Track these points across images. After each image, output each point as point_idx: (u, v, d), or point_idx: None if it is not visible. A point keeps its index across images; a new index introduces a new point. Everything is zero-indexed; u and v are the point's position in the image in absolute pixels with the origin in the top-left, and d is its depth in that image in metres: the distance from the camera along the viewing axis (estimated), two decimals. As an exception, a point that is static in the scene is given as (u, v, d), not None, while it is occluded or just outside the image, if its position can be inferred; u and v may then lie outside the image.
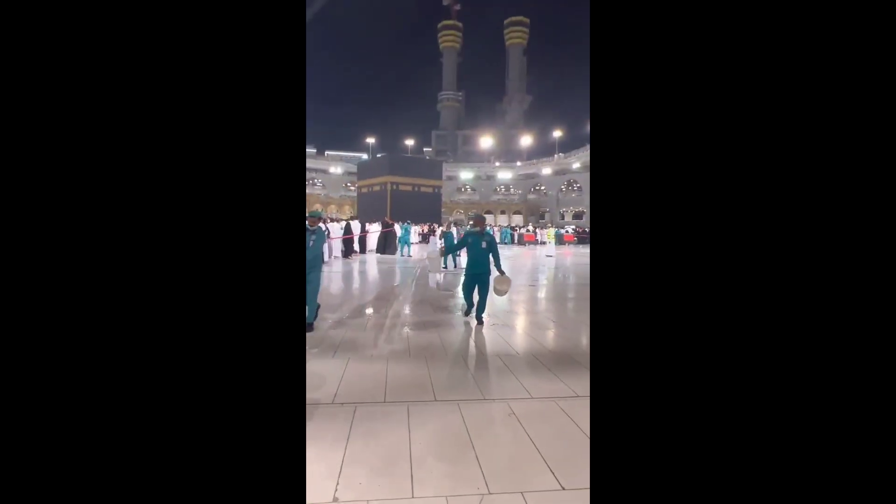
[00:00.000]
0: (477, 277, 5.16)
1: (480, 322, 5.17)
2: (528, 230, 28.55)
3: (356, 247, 14.56)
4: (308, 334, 4.60)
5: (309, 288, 4.74)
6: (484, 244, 5.12)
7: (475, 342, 4.48)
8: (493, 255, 5.13)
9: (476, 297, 5.26)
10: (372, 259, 14.21)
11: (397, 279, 9.54)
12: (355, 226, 14.90)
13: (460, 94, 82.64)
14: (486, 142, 59.70)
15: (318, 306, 5.07)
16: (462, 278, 5.65)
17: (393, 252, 15.22)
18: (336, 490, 1.94)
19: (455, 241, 11.73)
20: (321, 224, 8.16)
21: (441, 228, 17.39)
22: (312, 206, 47.28)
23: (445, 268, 11.24)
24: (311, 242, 4.76)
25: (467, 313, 5.39)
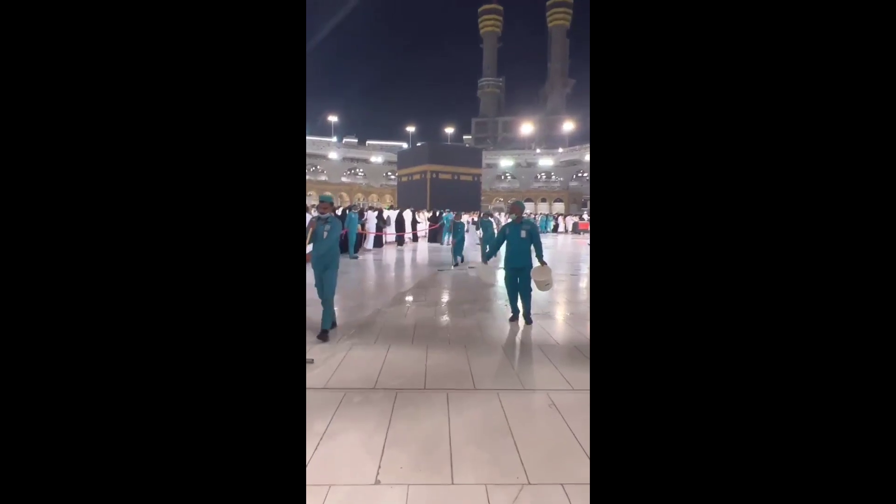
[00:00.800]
0: (518, 272, 4.56)
1: (529, 322, 4.64)
2: (581, 218, 28.23)
3: (408, 235, 15.80)
4: (343, 320, 4.55)
5: (325, 288, 3.98)
6: (523, 233, 4.51)
7: (515, 332, 4.45)
8: (534, 246, 4.52)
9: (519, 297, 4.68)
10: (422, 246, 15.15)
11: (439, 266, 9.62)
12: (407, 215, 15.64)
13: (500, 79, 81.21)
14: (526, 128, 58.49)
15: (334, 313, 4.31)
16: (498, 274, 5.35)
17: (441, 241, 16.44)
18: (378, 473, 2.00)
19: (465, 232, 10.28)
20: (351, 210, 7.23)
21: (451, 217, 14.95)
22: (354, 196, 48.06)
23: (457, 264, 9.89)
24: (326, 234, 4.01)
25: (513, 318, 4.77)
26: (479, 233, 10.31)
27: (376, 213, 14.05)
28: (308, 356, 3.48)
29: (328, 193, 5.98)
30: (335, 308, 4.25)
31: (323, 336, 3.96)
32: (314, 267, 4.03)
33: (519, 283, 4.59)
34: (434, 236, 16.86)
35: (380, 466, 2.05)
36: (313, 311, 4.18)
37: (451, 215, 16.13)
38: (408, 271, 9.30)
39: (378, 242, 13.64)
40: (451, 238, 10.43)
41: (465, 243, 10.79)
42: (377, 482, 1.93)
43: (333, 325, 4.28)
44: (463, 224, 10.84)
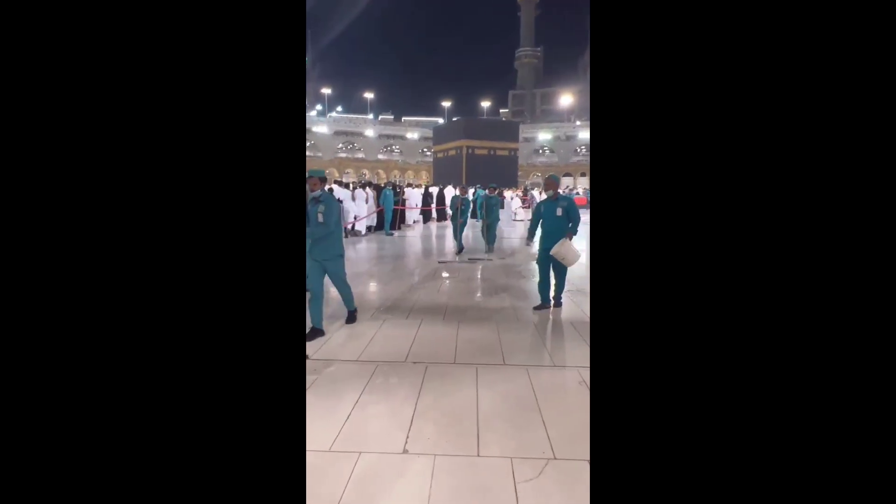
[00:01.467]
0: (552, 255, 4.10)
1: (558, 304, 4.33)
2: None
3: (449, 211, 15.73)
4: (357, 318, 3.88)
5: (334, 280, 3.57)
6: (559, 211, 4.11)
7: (547, 308, 4.40)
8: (571, 223, 4.13)
9: (553, 280, 4.29)
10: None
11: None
12: (449, 191, 15.80)
13: (539, 49, 78.17)
14: (566, 100, 56.33)
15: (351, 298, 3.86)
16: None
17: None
18: (406, 442, 2.05)
19: (468, 209, 7.93)
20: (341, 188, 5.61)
21: (455, 192, 11.87)
22: (391, 173, 48.22)
23: (459, 251, 7.85)
24: (320, 216, 3.30)
25: (539, 307, 4.30)
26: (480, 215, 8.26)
27: (422, 190, 14.27)
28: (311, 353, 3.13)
29: (318, 168, 4.36)
30: (323, 302, 3.63)
31: (350, 318, 3.82)
32: (309, 256, 3.42)
33: (554, 265, 4.19)
34: (474, 212, 16.82)
35: (408, 437, 2.10)
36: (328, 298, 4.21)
37: (483, 191, 15.94)
38: (446, 247, 9.32)
39: (426, 218, 13.83)
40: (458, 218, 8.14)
41: (467, 225, 8.59)
42: (405, 451, 1.99)
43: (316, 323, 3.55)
44: (469, 200, 8.53)
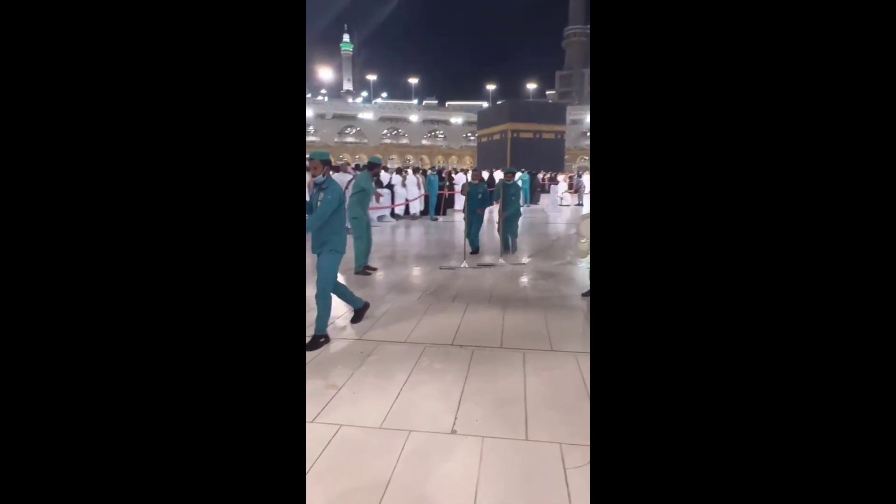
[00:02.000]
0: None
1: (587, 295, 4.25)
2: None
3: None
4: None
5: (318, 279, 2.98)
6: None
7: (596, 295, 4.29)
8: None
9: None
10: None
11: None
12: (497, 175, 15.84)
13: (589, 27, 75.06)
14: (616, 79, 53.83)
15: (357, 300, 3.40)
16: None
17: (535, 202, 15.83)
18: (454, 423, 2.09)
19: (486, 199, 6.34)
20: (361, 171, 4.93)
21: (465, 177, 9.93)
22: (435, 158, 48.19)
23: (476, 251, 6.32)
24: (320, 203, 2.94)
25: (589, 293, 4.23)
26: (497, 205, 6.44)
27: (470, 175, 14.28)
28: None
29: (323, 150, 5.06)
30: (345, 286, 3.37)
31: (357, 318, 3.43)
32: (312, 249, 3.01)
33: None
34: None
35: (456, 418, 2.13)
36: (365, 293, 4.25)
37: (526, 175, 15.38)
38: (485, 236, 9.27)
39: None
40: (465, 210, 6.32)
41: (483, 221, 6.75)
42: (453, 432, 2.02)
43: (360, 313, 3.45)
44: (484, 188, 6.53)
